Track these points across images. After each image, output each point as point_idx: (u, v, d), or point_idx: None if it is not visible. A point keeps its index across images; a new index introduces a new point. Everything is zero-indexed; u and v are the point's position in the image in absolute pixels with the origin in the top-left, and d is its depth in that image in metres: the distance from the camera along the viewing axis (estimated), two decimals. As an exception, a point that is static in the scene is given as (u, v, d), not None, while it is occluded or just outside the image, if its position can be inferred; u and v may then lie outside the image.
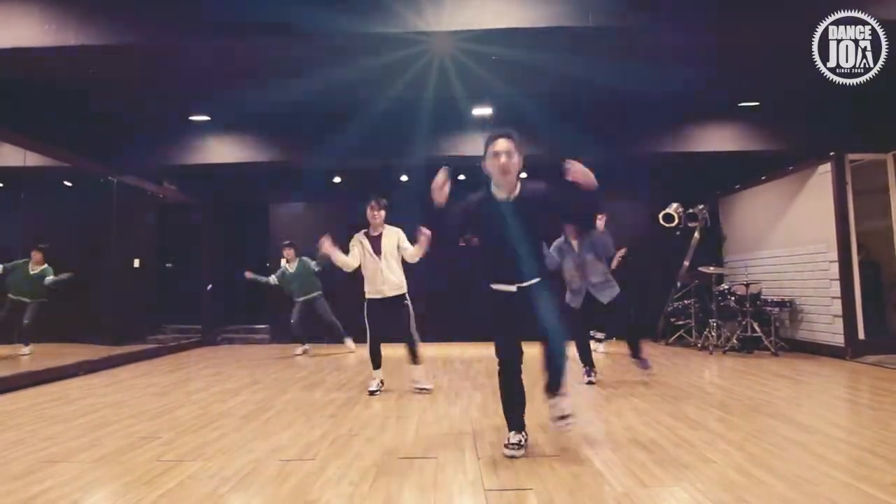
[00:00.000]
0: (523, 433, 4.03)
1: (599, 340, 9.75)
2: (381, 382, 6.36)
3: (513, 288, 3.93)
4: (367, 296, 6.26)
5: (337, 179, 11.89)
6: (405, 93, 8.11)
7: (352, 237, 6.39)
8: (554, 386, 4.03)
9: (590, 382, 6.58)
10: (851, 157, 8.52)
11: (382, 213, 6.26)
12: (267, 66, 7.56)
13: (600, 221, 6.46)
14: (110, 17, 5.76)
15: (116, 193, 9.42)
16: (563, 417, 3.95)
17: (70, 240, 10.37)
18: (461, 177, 11.30)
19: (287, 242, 10.26)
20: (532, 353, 4.06)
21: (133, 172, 9.90)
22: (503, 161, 3.84)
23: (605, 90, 8.52)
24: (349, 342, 10.19)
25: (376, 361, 6.34)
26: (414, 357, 6.32)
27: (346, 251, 6.23)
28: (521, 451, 3.88)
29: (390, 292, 6.19)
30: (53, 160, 8.35)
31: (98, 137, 9.31)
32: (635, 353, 6.76)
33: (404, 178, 11.61)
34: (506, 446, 3.90)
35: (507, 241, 3.87)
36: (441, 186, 3.83)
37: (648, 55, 7.24)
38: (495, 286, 3.97)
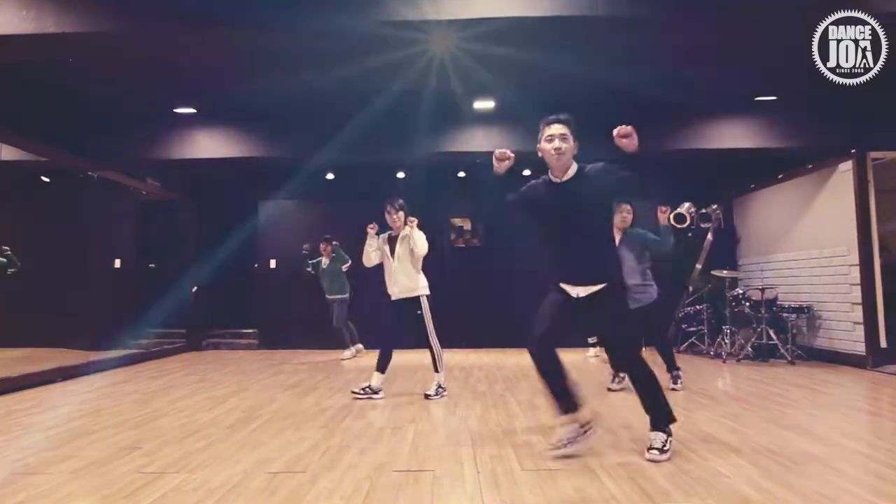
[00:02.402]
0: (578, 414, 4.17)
1: (593, 345, 9.86)
2: (369, 388, 6.47)
3: (575, 292, 4.09)
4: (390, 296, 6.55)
5: (330, 176, 11.89)
6: (403, 86, 8.10)
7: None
8: (664, 419, 4.15)
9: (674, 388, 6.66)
10: (874, 154, 8.53)
11: (401, 213, 6.47)
12: (257, 57, 7.55)
13: (662, 215, 6.66)
14: (91, 3, 5.75)
15: (97, 189, 9.42)
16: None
17: (47, 238, 10.38)
18: (461, 174, 11.34)
19: (328, 237, 10.42)
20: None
21: (114, 167, 9.89)
22: (557, 144, 4.09)
23: (614, 84, 8.51)
24: (347, 352, 10.22)
25: (381, 365, 6.48)
26: (435, 364, 6.51)
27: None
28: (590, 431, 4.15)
29: (400, 294, 6.44)
30: (30, 154, 8.35)
31: (77, 130, 9.31)
32: (673, 365, 6.82)
33: (401, 174, 11.61)
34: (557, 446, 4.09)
35: (562, 226, 4.13)
36: (504, 158, 4.16)
37: (659, 46, 7.24)
38: (563, 284, 4.14)
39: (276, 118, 9.58)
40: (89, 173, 9.35)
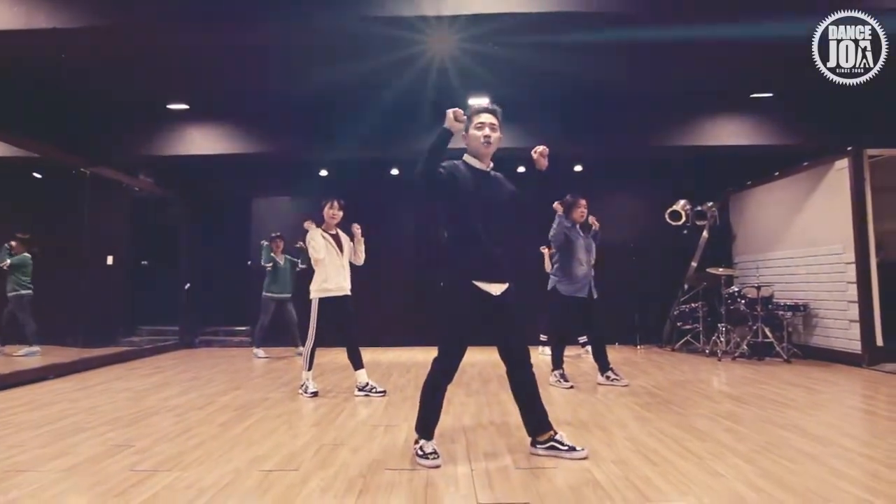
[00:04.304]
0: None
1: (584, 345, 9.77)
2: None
3: (495, 290, 4.02)
4: (323, 294, 6.56)
5: (324, 173, 11.86)
6: (399, 83, 8.08)
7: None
8: (545, 424, 4.17)
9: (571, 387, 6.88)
10: (870, 152, 8.55)
11: (341, 213, 6.76)
12: (250, 54, 7.53)
13: (592, 220, 7.28)
14: (83, -2, 5.74)
15: (89, 186, 9.38)
16: (572, 449, 4.08)
17: (39, 235, 10.32)
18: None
19: (278, 234, 10.42)
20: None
21: (107, 164, 9.84)
22: (487, 132, 4.09)
23: (609, 82, 8.52)
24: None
25: (312, 363, 6.66)
26: (361, 360, 6.70)
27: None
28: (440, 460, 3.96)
29: (347, 290, 6.68)
30: (22, 150, 8.30)
31: (70, 126, 9.27)
32: (607, 364, 7.10)
33: (395, 171, 11.60)
34: (424, 456, 3.98)
35: (489, 214, 4.06)
36: (461, 119, 3.94)
37: (655, 43, 7.24)
38: (479, 283, 3.99)
39: (269, 115, 9.54)
40: (81, 170, 9.30)
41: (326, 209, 6.68)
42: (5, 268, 9.47)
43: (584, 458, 3.97)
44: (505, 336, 4.12)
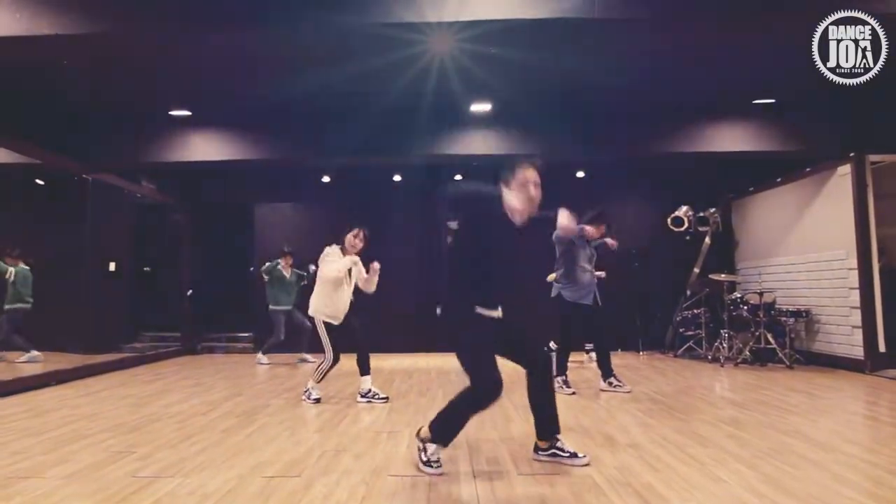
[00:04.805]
0: None
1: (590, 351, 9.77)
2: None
3: (495, 314, 4.06)
4: (327, 318, 6.46)
5: (326, 179, 11.88)
6: (401, 89, 8.09)
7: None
8: (550, 431, 4.19)
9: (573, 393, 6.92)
10: (873, 158, 8.54)
11: (362, 245, 6.57)
12: (252, 60, 7.54)
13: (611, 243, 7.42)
14: (86, 4, 5.74)
15: (91, 192, 9.40)
16: (574, 455, 4.10)
17: (41, 242, 10.35)
18: (458, 177, 11.31)
19: (289, 250, 10.56)
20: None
21: (109, 170, 9.87)
22: (535, 193, 3.91)
23: (611, 87, 8.51)
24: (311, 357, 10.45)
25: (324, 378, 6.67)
26: (369, 367, 6.69)
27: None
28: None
29: (345, 315, 6.55)
30: (24, 157, 8.32)
31: (71, 133, 9.29)
32: (610, 370, 7.11)
33: (397, 177, 11.61)
34: (429, 463, 3.96)
35: (509, 263, 4.06)
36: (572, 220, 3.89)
37: (657, 49, 7.25)
38: (481, 311, 3.98)
39: (271, 121, 9.54)
40: (84, 176, 9.32)
41: (351, 236, 6.47)
42: (10, 278, 9.46)
43: (586, 465, 3.98)
44: (520, 347, 4.13)
